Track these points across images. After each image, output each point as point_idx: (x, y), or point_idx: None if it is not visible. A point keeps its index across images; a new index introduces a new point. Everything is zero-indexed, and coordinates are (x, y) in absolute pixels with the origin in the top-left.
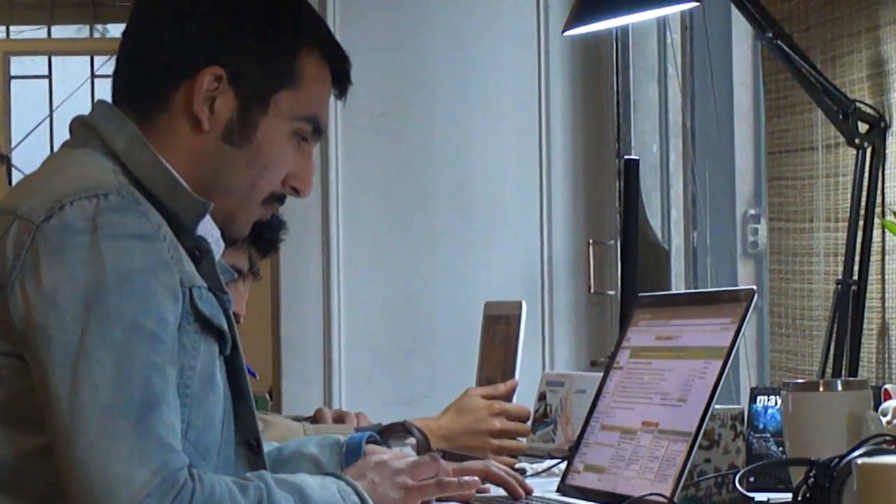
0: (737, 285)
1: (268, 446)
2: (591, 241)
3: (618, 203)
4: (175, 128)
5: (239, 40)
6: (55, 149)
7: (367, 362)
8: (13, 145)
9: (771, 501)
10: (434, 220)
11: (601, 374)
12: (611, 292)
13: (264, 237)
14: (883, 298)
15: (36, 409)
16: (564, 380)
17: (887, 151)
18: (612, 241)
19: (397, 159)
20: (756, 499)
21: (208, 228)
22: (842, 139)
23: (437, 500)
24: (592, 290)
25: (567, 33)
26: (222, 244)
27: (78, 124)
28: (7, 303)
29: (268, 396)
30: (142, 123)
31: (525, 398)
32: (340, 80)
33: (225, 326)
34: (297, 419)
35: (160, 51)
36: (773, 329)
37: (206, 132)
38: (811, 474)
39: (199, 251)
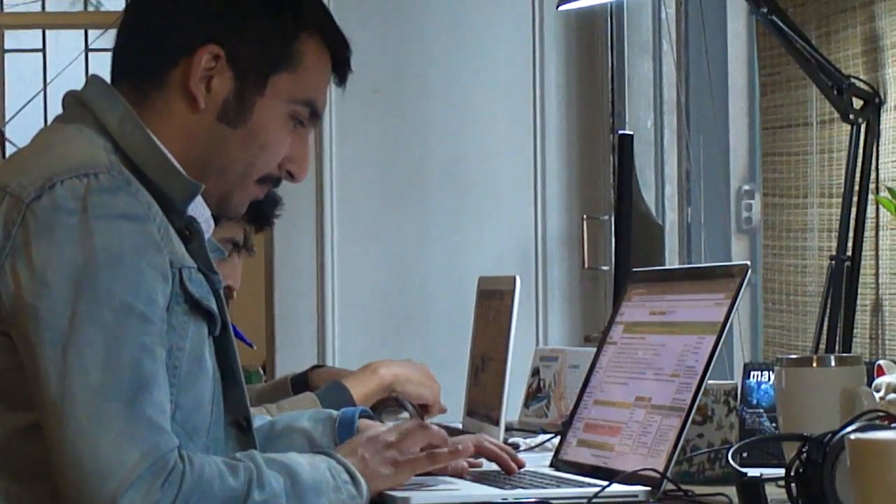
0: (730, 261)
1: (260, 420)
2: (584, 216)
3: (612, 178)
4: (171, 106)
5: (239, 20)
6: (48, 123)
7: (360, 337)
8: (7, 119)
9: (764, 477)
10: (428, 195)
11: (595, 349)
12: (604, 267)
13: (262, 212)
14: (877, 274)
15: (23, 387)
16: (558, 355)
17: (881, 127)
18: (606, 217)
19: (391, 135)
20: (749, 474)
21: (199, 208)
22: (836, 115)
23: (432, 473)
24: (586, 266)
25: (562, 8)
26: (212, 223)
27: (70, 99)
28: None
29: (261, 371)
30: (138, 100)
31: (518, 373)
32: (340, 66)
33: (214, 307)
34: (297, 377)
35: (159, 28)
36: (766, 305)
37: (202, 111)
38: (804, 450)
39: (189, 231)
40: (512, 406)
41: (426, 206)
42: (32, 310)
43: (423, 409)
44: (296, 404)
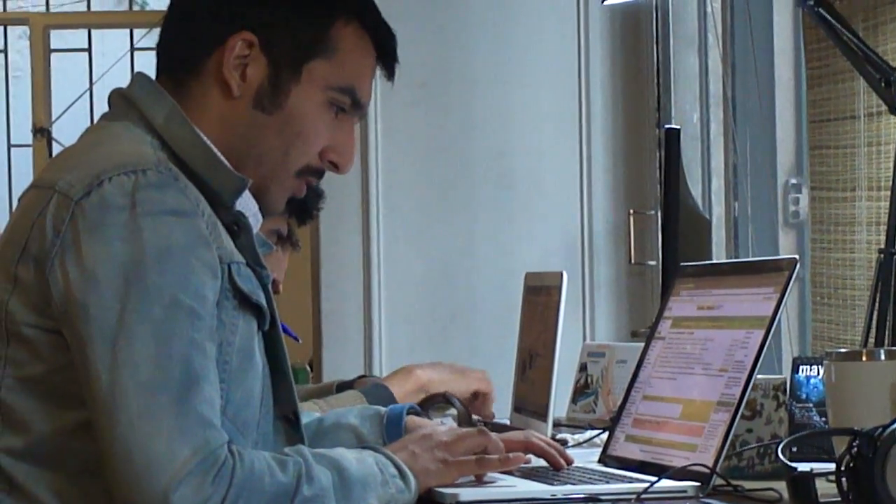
0: (778, 255)
1: (308, 417)
2: (631, 211)
3: (658, 173)
4: (207, 95)
5: (272, 7)
6: (95, 122)
7: (407, 334)
8: (54, 119)
9: (814, 471)
10: (474, 190)
11: (642, 345)
12: (651, 262)
13: (304, 205)
14: None
15: (75, 385)
16: (605, 350)
17: None
18: (653, 212)
19: (437, 130)
20: (799, 469)
21: (247, 202)
22: (884, 107)
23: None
24: (633, 261)
25: (607, 2)
26: (260, 218)
27: (117, 97)
28: (47, 279)
29: (308, 368)
30: (177, 91)
31: (566, 369)
32: (385, 56)
33: (263, 302)
34: (343, 384)
35: (195, 18)
36: (815, 298)
37: (237, 98)
38: (854, 444)
39: (237, 226)
40: (559, 402)
41: (472, 201)
42: (82, 306)
43: (479, 398)
44: (342, 400)
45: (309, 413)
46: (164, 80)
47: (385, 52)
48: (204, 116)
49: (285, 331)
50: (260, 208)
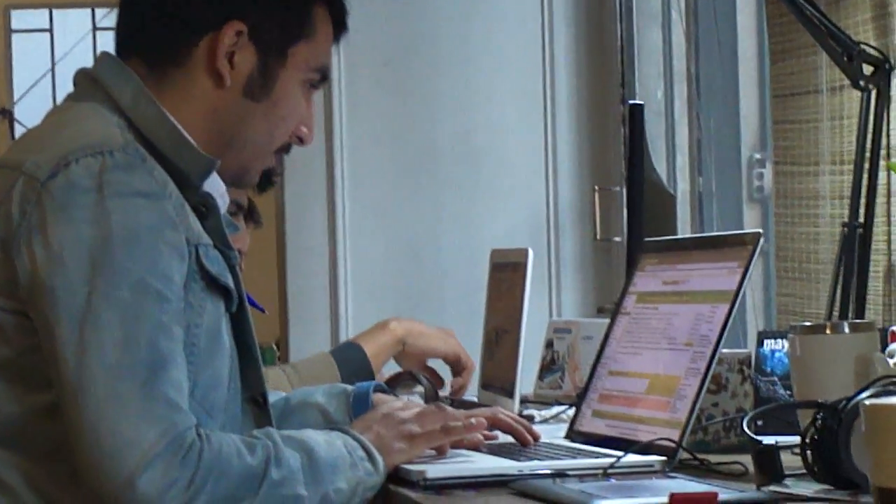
0: (742, 229)
1: (274, 396)
2: (596, 187)
3: (623, 149)
4: (193, 84)
5: None
6: (58, 103)
7: (374, 312)
8: (15, 99)
9: (779, 444)
10: (439, 168)
11: (608, 321)
12: (617, 238)
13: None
14: (889, 241)
15: (42, 367)
16: (571, 326)
17: (892, 93)
18: (618, 188)
19: (401, 108)
20: (764, 442)
21: (214, 183)
22: (847, 82)
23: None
24: (598, 237)
25: None
26: (227, 199)
27: (82, 77)
28: (13, 260)
29: (275, 348)
30: (155, 79)
31: (532, 345)
32: (338, 27)
33: (231, 284)
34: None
35: (176, 7)
36: (779, 273)
37: (227, 87)
38: (819, 416)
39: (204, 207)
40: (526, 378)
41: (437, 179)
42: (49, 289)
43: (454, 371)
44: (311, 363)
45: (276, 392)
46: (135, 65)
47: (339, 23)
48: (189, 105)
49: (250, 301)
50: (238, 185)
